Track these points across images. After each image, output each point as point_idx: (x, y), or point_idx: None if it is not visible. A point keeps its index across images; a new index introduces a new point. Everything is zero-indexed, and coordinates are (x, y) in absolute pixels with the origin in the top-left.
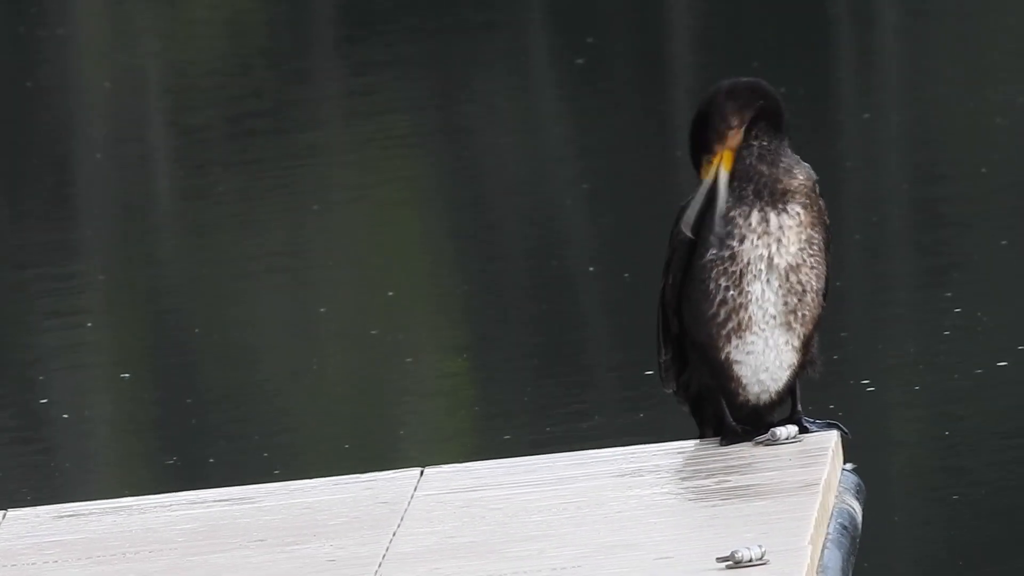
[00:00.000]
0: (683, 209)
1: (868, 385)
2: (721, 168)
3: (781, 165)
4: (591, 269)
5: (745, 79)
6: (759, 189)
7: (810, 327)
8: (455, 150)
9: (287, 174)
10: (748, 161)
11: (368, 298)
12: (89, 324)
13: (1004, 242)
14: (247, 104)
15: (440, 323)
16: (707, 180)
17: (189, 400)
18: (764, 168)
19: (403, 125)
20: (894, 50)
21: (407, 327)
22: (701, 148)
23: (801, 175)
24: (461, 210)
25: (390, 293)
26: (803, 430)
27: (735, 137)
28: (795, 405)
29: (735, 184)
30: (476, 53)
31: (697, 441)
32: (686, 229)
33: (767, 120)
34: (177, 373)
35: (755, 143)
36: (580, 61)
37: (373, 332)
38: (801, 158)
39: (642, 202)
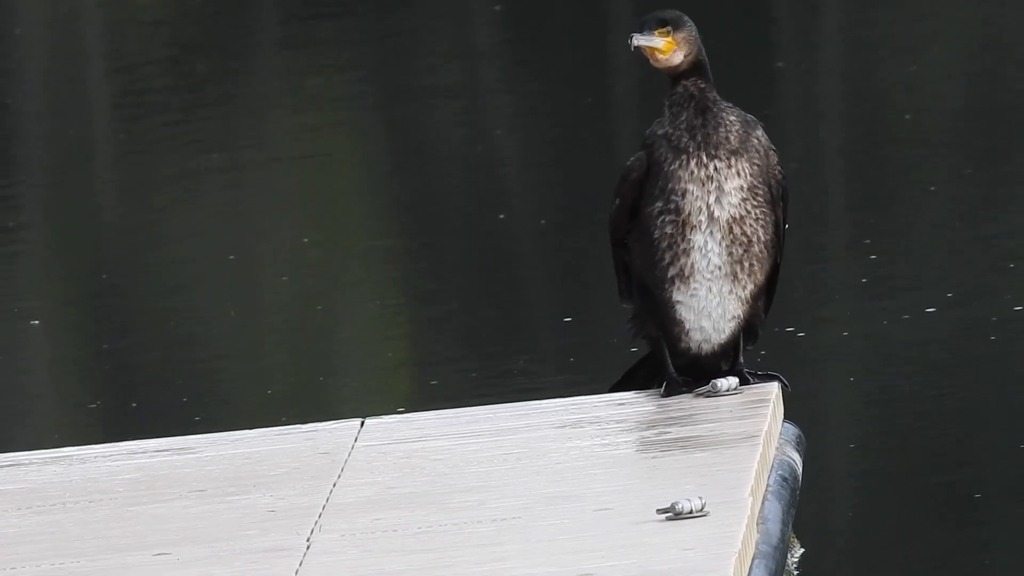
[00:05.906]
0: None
1: (796, 331)
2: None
3: (717, 114)
4: (502, 217)
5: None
6: (696, 138)
7: (759, 278)
8: (388, 105)
9: (219, 125)
10: (685, 113)
11: (291, 246)
12: None
13: (932, 188)
14: (182, 52)
15: (367, 273)
16: None
17: (105, 346)
18: (700, 119)
19: (331, 73)
20: (824, 8)
21: (332, 276)
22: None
23: (738, 124)
24: (394, 164)
25: (305, 240)
26: (744, 381)
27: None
28: (737, 357)
29: (673, 135)
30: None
31: (637, 392)
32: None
33: (700, 69)
34: (88, 319)
35: (692, 87)
36: (497, 8)
37: (284, 278)
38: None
39: (567, 151)
